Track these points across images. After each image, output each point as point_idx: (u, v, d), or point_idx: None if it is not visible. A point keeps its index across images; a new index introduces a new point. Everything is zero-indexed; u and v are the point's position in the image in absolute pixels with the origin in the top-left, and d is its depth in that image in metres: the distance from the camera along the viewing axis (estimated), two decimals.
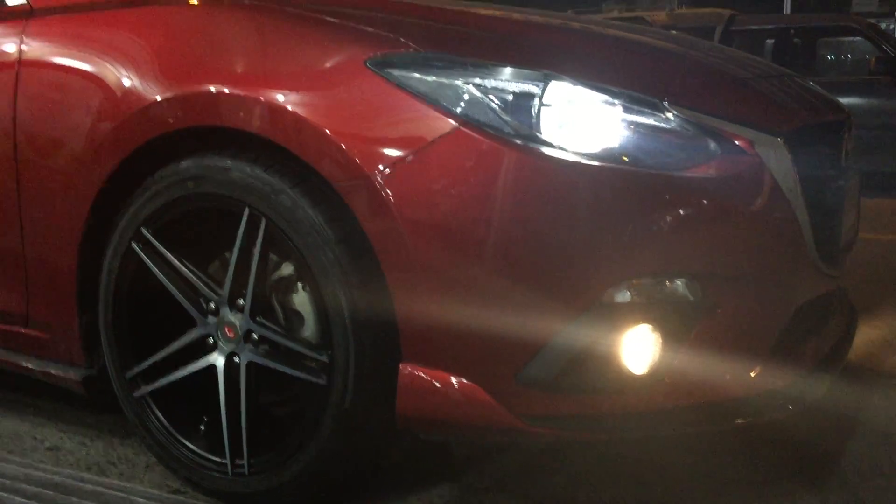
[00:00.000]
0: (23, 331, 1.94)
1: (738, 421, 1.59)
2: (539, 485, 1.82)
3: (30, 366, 1.93)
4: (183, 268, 1.71)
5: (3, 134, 1.85)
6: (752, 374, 1.59)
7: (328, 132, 1.51)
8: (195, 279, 1.71)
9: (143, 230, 1.71)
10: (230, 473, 1.68)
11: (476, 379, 1.50)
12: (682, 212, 1.50)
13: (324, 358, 1.59)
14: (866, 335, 2.69)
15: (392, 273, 1.51)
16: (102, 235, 1.78)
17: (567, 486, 1.81)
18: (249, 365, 1.66)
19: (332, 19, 1.66)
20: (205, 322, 1.71)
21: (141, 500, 1.71)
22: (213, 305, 1.70)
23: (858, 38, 7.99)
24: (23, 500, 1.71)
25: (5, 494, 1.72)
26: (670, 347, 1.52)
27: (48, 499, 1.71)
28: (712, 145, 1.53)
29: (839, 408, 2.15)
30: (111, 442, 1.99)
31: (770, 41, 7.54)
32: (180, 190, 1.67)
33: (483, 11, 1.97)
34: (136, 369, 1.77)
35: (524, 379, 1.49)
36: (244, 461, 1.67)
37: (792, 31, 7.55)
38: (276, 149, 1.58)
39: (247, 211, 1.61)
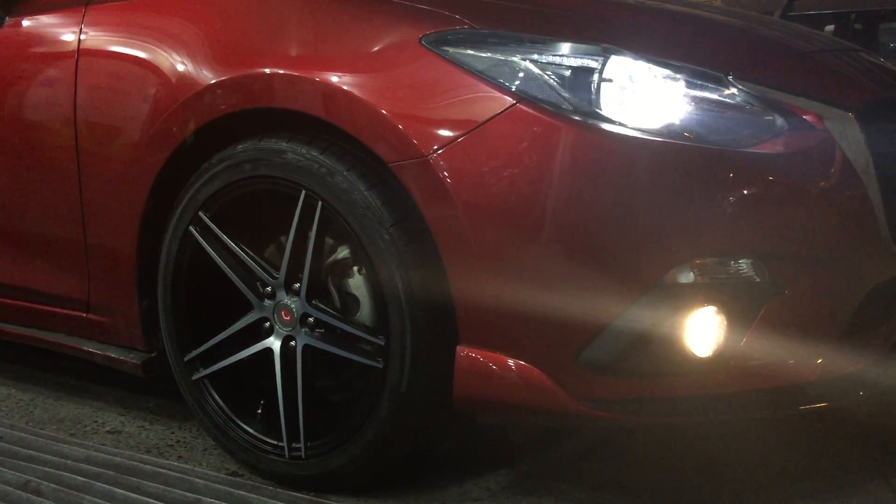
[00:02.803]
0: (84, 315, 1.97)
1: (807, 406, 1.53)
2: (596, 471, 1.78)
3: (91, 350, 1.97)
4: (240, 251, 1.72)
5: (64, 122, 1.89)
6: (822, 359, 1.53)
7: (383, 112, 1.50)
8: (252, 262, 1.71)
9: (201, 214, 1.72)
10: (287, 456, 1.68)
11: (534, 361, 1.47)
12: (747, 190, 1.45)
13: (380, 341, 1.58)
14: None
15: (449, 255, 1.49)
16: (161, 220, 1.79)
17: (625, 473, 1.77)
18: (305, 348, 1.66)
19: None
20: (261, 305, 1.71)
21: (200, 481, 1.73)
22: (269, 289, 1.70)
23: None
24: (84, 479, 1.73)
25: (67, 474, 1.75)
26: (736, 330, 1.48)
27: (109, 479, 1.73)
28: (779, 120, 1.48)
29: None
30: (170, 426, 2.01)
31: (830, 27, 7.33)
32: (237, 173, 1.67)
33: None
34: (195, 352, 1.78)
35: (584, 361, 1.46)
36: (301, 444, 1.67)
37: (853, 16, 7.32)
38: (331, 130, 1.57)
39: (303, 193, 1.60)
